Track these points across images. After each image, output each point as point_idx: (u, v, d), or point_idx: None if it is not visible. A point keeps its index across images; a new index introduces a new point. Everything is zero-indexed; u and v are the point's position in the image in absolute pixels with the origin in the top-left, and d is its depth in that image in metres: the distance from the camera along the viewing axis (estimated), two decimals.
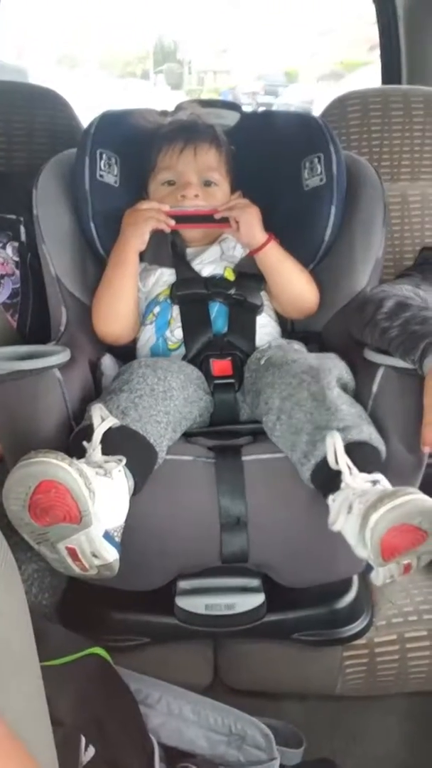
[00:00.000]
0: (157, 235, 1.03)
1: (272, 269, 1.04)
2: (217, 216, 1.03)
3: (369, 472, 0.77)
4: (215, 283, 1.04)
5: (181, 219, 1.02)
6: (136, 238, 1.01)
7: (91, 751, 0.66)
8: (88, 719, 0.67)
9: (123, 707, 0.74)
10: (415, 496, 0.71)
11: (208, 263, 1.06)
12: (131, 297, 1.03)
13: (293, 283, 1.06)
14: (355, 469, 0.76)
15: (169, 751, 0.80)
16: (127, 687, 0.75)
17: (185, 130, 1.07)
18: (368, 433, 0.81)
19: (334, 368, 0.87)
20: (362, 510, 0.71)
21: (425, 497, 0.71)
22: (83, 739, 0.65)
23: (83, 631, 0.73)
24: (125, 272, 1.02)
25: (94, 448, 0.76)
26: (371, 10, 1.76)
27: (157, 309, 1.04)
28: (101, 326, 1.03)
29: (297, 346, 1.02)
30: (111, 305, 1.03)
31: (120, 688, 0.74)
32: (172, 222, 1.01)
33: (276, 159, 1.13)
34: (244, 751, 0.83)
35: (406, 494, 0.70)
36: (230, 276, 1.05)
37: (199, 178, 1.05)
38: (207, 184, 1.06)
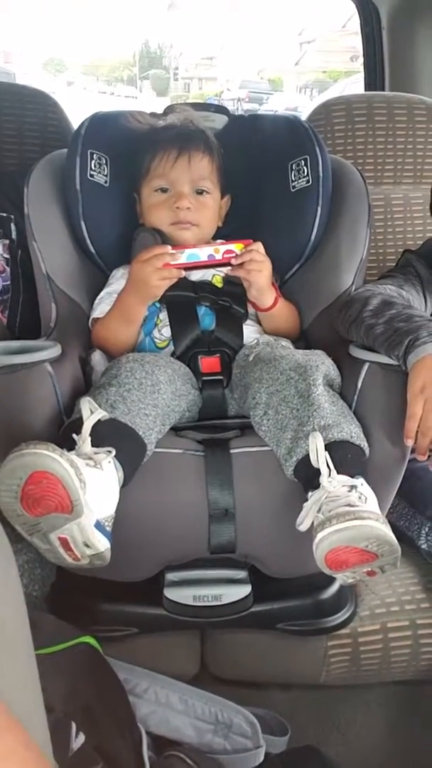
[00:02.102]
0: (146, 238, 1.04)
1: (268, 319, 1.07)
2: (231, 272, 1.01)
3: (350, 474, 0.79)
4: (202, 287, 1.05)
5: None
6: (147, 299, 1.00)
7: (81, 737, 0.67)
8: (78, 706, 0.68)
9: (112, 695, 0.75)
10: (362, 522, 0.72)
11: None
12: (135, 337, 1.04)
13: (283, 326, 1.08)
14: (334, 471, 0.77)
15: (157, 739, 0.80)
16: (116, 675, 0.76)
17: (179, 138, 1.07)
18: (349, 431, 0.83)
19: (322, 365, 0.89)
20: (317, 522, 0.74)
21: (374, 524, 0.72)
22: (74, 726, 0.66)
23: (72, 622, 0.73)
24: (133, 327, 1.02)
25: (84, 440, 0.78)
26: (354, 21, 1.81)
27: (145, 313, 1.05)
28: (101, 348, 1.03)
29: (284, 342, 1.04)
30: (115, 342, 1.02)
31: (109, 677, 0.75)
32: (183, 273, 0.98)
33: (263, 161, 1.15)
34: (230, 739, 0.84)
35: (356, 518, 0.72)
36: (218, 283, 1.07)
37: (192, 187, 1.07)
38: (199, 192, 1.07)
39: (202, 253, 0.98)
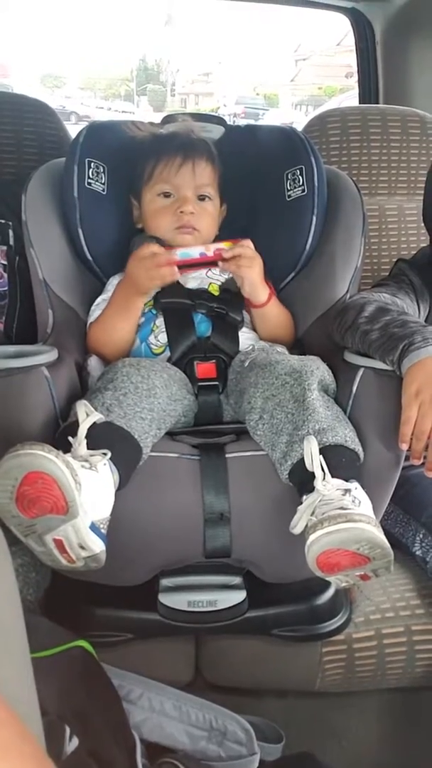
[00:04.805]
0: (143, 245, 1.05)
1: (263, 318, 1.08)
2: (221, 265, 1.03)
3: (344, 478, 0.79)
4: (199, 294, 1.06)
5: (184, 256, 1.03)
6: (146, 291, 1.02)
7: (75, 741, 0.66)
8: (72, 710, 0.67)
9: (106, 700, 0.74)
10: (354, 524, 0.72)
11: (193, 277, 1.08)
12: (131, 335, 1.05)
13: (278, 329, 1.09)
14: (328, 475, 0.78)
15: (151, 747, 0.80)
16: (110, 681, 0.75)
17: (184, 146, 1.09)
18: (343, 435, 0.83)
19: (317, 370, 0.89)
20: (310, 524, 0.74)
21: (366, 526, 0.72)
22: (67, 729, 0.66)
23: (67, 627, 0.73)
24: (131, 320, 1.04)
25: (80, 442, 0.78)
26: (349, 38, 1.84)
27: (141, 319, 1.06)
28: (97, 351, 1.04)
29: (280, 348, 1.05)
30: (111, 342, 1.04)
31: (103, 682, 0.74)
32: (176, 276, 1.00)
33: (259, 171, 1.17)
34: (224, 746, 0.83)
35: (348, 521, 0.72)
36: (215, 291, 1.08)
37: (194, 193, 1.08)
38: (201, 198, 1.09)
39: (194, 251, 1.02)
